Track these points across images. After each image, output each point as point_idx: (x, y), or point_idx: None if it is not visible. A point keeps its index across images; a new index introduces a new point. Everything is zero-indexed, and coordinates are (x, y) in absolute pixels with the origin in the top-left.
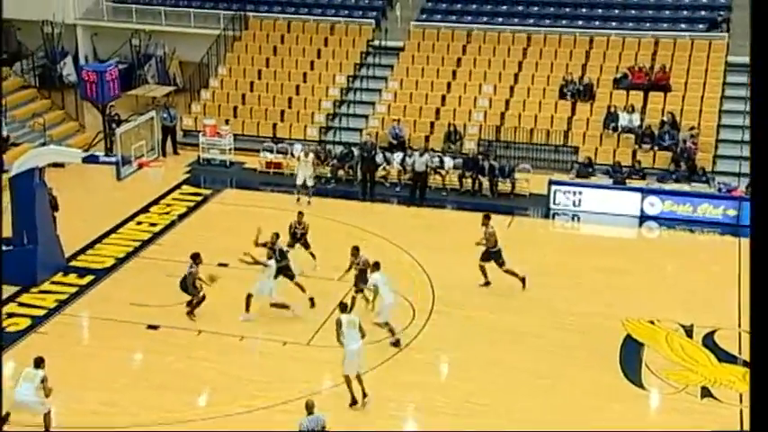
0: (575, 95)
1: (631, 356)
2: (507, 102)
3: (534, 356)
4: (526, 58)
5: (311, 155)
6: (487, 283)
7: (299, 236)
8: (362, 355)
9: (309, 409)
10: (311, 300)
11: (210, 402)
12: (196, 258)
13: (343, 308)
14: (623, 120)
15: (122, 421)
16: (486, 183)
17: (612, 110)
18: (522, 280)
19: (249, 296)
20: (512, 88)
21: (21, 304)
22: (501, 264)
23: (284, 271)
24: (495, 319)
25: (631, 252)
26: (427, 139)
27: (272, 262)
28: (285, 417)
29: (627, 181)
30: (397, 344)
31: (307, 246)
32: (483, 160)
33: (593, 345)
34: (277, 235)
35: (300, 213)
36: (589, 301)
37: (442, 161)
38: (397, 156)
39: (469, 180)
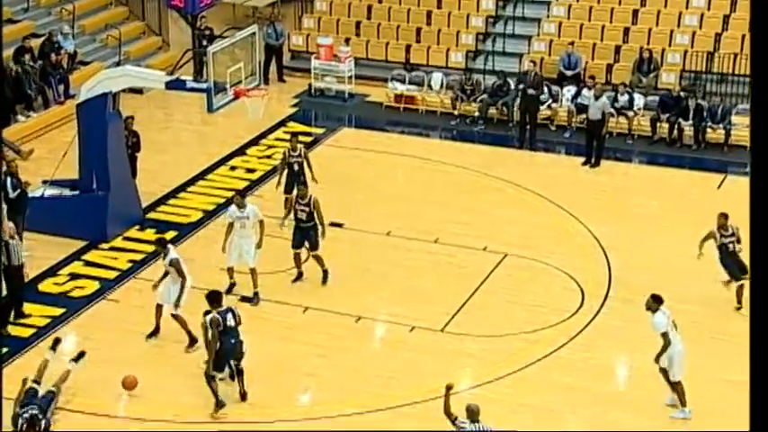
0: None
1: None
2: (726, 19)
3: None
4: None
5: None
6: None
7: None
8: None
9: (472, 415)
10: None
11: (316, 400)
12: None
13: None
14: None
15: (205, 415)
16: (689, 129)
17: None
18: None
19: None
20: (733, 1)
21: (87, 263)
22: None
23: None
24: (695, 312)
25: None
26: (610, 69)
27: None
28: (409, 423)
29: None
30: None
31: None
32: (687, 99)
33: None
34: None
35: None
36: None
37: (631, 99)
38: (568, 91)
39: (666, 125)
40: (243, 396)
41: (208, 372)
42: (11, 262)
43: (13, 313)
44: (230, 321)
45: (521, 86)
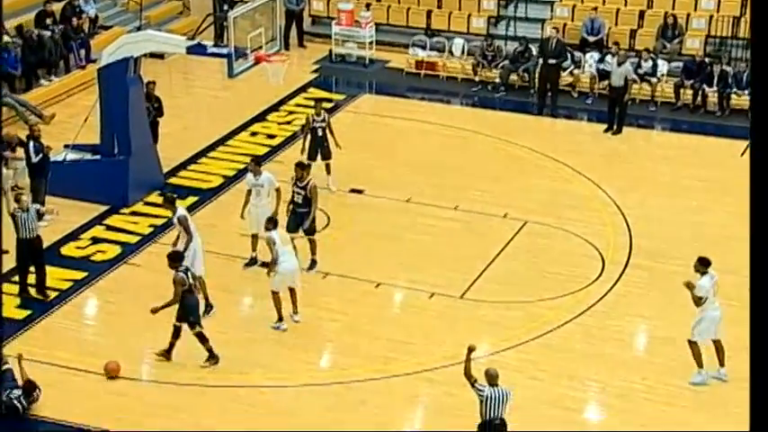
0: None
1: None
2: None
3: None
4: None
5: None
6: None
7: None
8: (298, 272)
9: (491, 380)
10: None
11: (333, 364)
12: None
13: (275, 224)
14: None
15: (228, 380)
16: (713, 95)
17: None
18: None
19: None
20: None
21: (109, 228)
22: None
23: None
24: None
25: None
26: (633, 34)
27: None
28: (427, 388)
29: None
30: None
31: (328, 154)
32: (711, 65)
33: None
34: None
35: (319, 102)
36: None
37: (654, 65)
38: (591, 57)
39: (690, 91)
40: (170, 348)
41: (194, 331)
42: (18, 235)
43: (36, 282)
44: (191, 279)
45: (541, 57)
